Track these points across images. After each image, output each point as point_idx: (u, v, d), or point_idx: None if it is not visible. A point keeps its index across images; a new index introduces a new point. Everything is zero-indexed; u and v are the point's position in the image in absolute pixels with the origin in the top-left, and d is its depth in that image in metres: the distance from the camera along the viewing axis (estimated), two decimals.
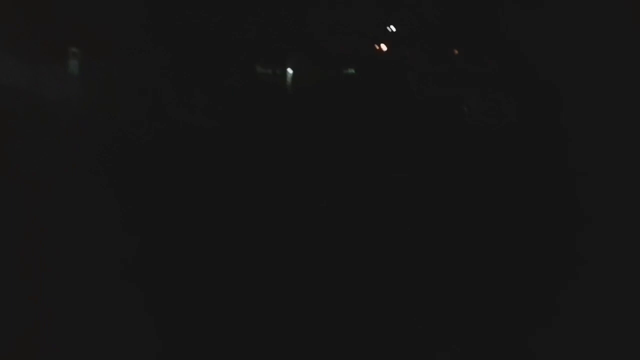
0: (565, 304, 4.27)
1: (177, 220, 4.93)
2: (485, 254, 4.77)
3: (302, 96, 5.65)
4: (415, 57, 5.59)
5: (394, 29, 5.68)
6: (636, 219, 4.66)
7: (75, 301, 4.13)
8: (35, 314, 3.99)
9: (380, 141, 5.40)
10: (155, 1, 5.40)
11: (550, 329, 4.11)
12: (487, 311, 4.39)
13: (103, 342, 3.95)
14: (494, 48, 5.40)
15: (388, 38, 5.75)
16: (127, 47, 5.40)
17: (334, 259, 4.77)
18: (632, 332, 4.04)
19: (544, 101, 5.26)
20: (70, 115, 5.45)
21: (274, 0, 5.65)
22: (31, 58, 5.51)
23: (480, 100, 5.39)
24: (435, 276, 4.68)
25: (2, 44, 5.43)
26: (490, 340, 4.15)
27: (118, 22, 5.43)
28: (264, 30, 5.63)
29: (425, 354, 4.11)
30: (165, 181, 5.19)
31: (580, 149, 5.02)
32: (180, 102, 5.54)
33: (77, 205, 4.77)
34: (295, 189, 5.24)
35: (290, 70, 5.68)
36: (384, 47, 5.68)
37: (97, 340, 3.96)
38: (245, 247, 4.80)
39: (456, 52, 5.52)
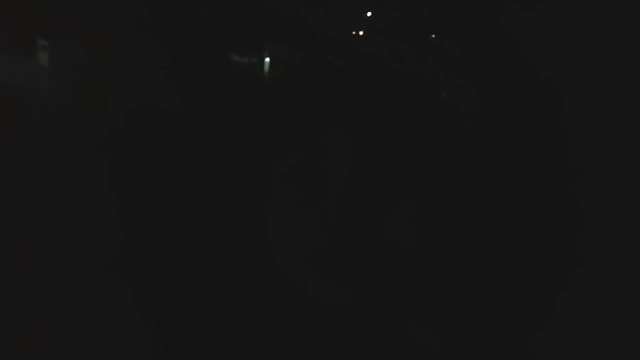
0: (565, 304, 4.27)
1: (162, 215, 4.92)
2: (484, 253, 4.76)
3: (285, 87, 5.62)
4: (405, 49, 5.57)
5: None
6: (636, 219, 4.65)
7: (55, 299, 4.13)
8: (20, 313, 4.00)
9: (374, 139, 5.38)
10: None
11: (550, 329, 4.11)
12: (487, 311, 4.39)
13: (100, 341, 3.95)
14: (489, 43, 5.39)
15: (375, 28, 5.72)
16: (102, 35, 5.37)
17: (330, 257, 4.77)
18: (632, 332, 4.04)
19: (540, 98, 5.25)
20: (45, 104, 5.43)
21: None
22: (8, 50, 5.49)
23: (474, 97, 5.38)
24: (433, 275, 4.67)
25: None
26: (490, 340, 4.15)
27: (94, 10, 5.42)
28: (245, 19, 5.61)
29: (425, 354, 4.11)
30: (149, 174, 5.18)
31: (578, 148, 5.01)
32: (168, 94, 5.51)
33: (60, 200, 4.76)
34: (290, 185, 5.23)
35: (271, 59, 5.63)
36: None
37: (94, 339, 3.96)
38: (229, 242, 4.79)
39: (448, 46, 5.51)
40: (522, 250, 4.72)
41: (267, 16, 5.86)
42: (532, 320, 4.25)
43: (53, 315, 4.05)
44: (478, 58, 5.49)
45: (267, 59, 5.85)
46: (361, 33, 5.75)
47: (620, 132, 4.93)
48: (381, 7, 5.77)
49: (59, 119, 5.33)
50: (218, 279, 4.54)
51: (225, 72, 5.85)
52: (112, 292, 4.25)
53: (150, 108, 5.57)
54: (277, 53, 5.87)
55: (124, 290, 4.29)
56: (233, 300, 4.39)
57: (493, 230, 4.85)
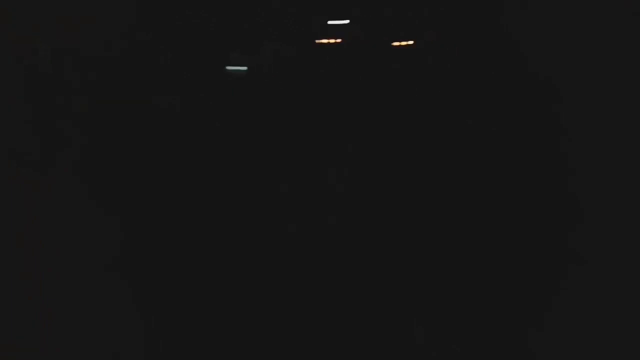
0: (565, 304, 4.27)
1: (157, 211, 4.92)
2: (484, 253, 4.76)
3: (284, 85, 5.61)
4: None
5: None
6: (635, 219, 4.66)
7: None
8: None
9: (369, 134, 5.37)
10: None
11: (549, 329, 4.11)
12: (487, 311, 4.39)
13: (100, 340, 3.95)
14: (489, 43, 5.38)
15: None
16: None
17: (327, 257, 4.76)
18: (632, 332, 4.04)
19: (539, 97, 5.25)
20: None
21: None
22: None
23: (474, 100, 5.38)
24: (433, 275, 4.67)
25: None
26: (491, 340, 4.15)
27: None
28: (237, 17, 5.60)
29: (425, 354, 4.11)
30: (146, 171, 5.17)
31: (577, 147, 5.01)
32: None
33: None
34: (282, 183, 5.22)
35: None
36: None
37: (94, 339, 3.95)
38: (228, 241, 4.79)
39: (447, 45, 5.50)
40: (521, 250, 4.72)
41: (266, 16, 5.85)
42: (532, 320, 4.25)
43: (53, 315, 4.05)
44: (478, 58, 5.49)
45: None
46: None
47: (619, 131, 4.93)
48: (381, 7, 5.76)
49: (59, 118, 5.33)
50: (218, 277, 4.54)
51: (224, 71, 5.84)
52: (112, 292, 4.24)
53: (150, 107, 5.56)
54: (275, 52, 5.87)
55: (124, 290, 4.29)
56: (233, 299, 4.39)
57: (493, 230, 4.85)
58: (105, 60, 5.56)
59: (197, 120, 5.57)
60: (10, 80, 5.41)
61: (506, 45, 5.32)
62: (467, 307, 4.39)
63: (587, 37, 5.10)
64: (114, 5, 5.56)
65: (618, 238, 4.55)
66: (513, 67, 5.30)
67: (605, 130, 4.91)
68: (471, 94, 5.39)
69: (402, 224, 4.94)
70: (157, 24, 5.73)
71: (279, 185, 5.20)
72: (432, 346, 4.17)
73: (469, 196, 5.02)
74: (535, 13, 5.25)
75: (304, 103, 5.64)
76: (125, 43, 5.69)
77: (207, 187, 5.16)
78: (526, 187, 5.00)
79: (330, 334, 4.18)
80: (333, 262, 4.70)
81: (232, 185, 5.20)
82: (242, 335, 4.17)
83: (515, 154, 5.14)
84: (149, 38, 5.69)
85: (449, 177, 5.13)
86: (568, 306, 4.24)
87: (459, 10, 5.59)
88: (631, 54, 5.04)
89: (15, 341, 3.88)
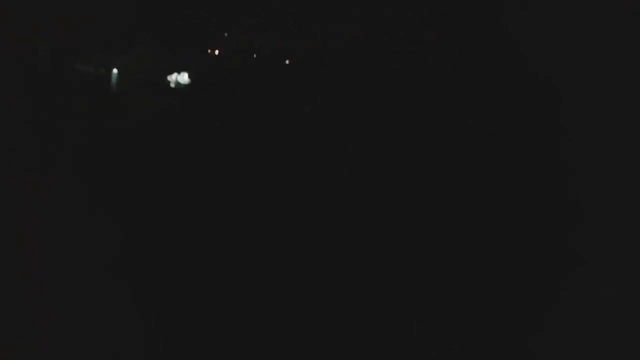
0: (565, 304, 4.27)
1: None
2: (484, 253, 4.77)
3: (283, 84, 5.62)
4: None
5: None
6: (635, 219, 4.66)
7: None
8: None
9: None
10: None
11: (550, 329, 4.12)
12: (487, 311, 4.39)
13: (100, 341, 3.95)
14: (489, 43, 5.39)
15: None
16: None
17: (327, 257, 4.76)
18: (632, 332, 4.05)
19: (539, 98, 5.25)
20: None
21: None
22: None
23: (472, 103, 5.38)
24: (433, 275, 4.67)
25: None
26: (491, 340, 4.15)
27: None
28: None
29: (425, 354, 4.11)
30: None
31: (578, 147, 5.02)
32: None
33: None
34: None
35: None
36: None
37: (94, 339, 3.96)
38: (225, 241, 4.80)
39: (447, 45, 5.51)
40: (522, 250, 4.73)
41: (266, 16, 5.86)
42: (532, 320, 4.25)
43: (53, 315, 4.05)
44: (478, 58, 5.49)
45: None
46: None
47: (619, 131, 4.93)
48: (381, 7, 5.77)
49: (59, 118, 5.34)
50: (218, 277, 4.54)
51: (224, 70, 5.85)
52: (112, 292, 4.25)
53: (149, 107, 5.57)
54: (275, 52, 5.88)
55: (124, 290, 4.29)
56: (233, 299, 4.40)
57: (493, 230, 4.86)
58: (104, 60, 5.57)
59: (196, 120, 5.57)
60: (10, 80, 5.41)
61: (506, 45, 5.33)
62: (467, 307, 4.39)
63: (587, 37, 5.10)
64: (114, 5, 5.57)
65: (618, 238, 4.55)
66: (513, 67, 5.31)
67: (605, 130, 4.92)
68: (471, 94, 5.39)
69: (403, 224, 4.94)
70: (157, 24, 5.74)
71: (280, 184, 5.20)
72: (432, 346, 4.17)
73: (469, 196, 5.02)
74: (535, 13, 5.25)
75: (304, 103, 5.65)
76: (125, 43, 5.70)
77: (207, 187, 5.17)
78: (526, 187, 5.00)
79: (331, 334, 4.19)
80: (333, 262, 4.70)
81: (233, 185, 5.21)
82: (242, 335, 4.18)
83: (515, 154, 5.15)
84: (149, 38, 5.70)
85: (449, 177, 5.13)
86: (568, 306, 4.24)
87: (459, 10, 5.60)
88: (631, 54, 5.04)
89: (15, 341, 3.87)
